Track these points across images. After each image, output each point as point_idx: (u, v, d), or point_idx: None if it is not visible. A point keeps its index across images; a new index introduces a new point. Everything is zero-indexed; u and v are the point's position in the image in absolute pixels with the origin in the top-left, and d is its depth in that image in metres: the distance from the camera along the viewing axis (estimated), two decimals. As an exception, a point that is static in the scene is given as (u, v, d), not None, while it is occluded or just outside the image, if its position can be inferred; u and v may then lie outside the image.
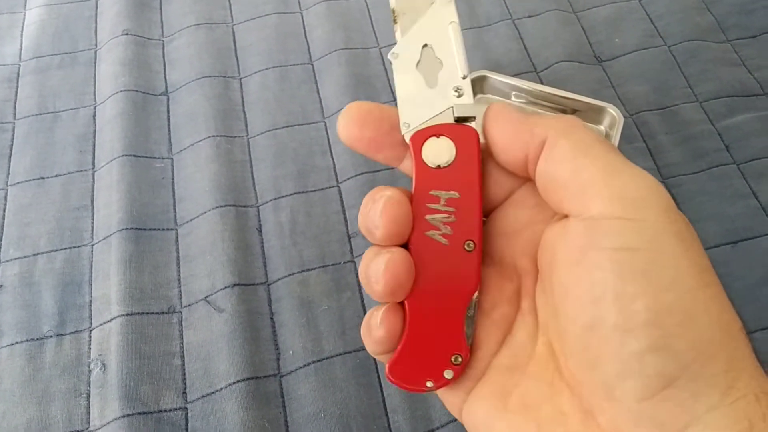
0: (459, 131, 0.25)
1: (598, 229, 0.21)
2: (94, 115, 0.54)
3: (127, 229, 0.47)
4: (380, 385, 0.43)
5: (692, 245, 0.21)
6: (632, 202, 0.21)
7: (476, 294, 0.25)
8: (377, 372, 0.43)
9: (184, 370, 0.43)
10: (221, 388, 0.42)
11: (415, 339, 0.25)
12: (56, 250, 0.48)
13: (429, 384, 0.25)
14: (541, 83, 0.56)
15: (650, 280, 0.20)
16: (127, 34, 0.58)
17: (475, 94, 0.55)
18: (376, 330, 0.25)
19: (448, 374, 0.25)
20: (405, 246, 0.25)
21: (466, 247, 0.25)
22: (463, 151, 0.25)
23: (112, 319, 0.44)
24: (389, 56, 0.27)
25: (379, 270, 0.24)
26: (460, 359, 0.25)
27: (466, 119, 0.25)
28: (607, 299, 0.21)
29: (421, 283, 0.25)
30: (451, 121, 0.25)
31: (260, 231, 0.49)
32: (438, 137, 0.25)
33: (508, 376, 0.25)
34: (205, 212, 0.49)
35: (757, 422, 0.19)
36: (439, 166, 0.25)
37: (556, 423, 0.23)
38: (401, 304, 0.25)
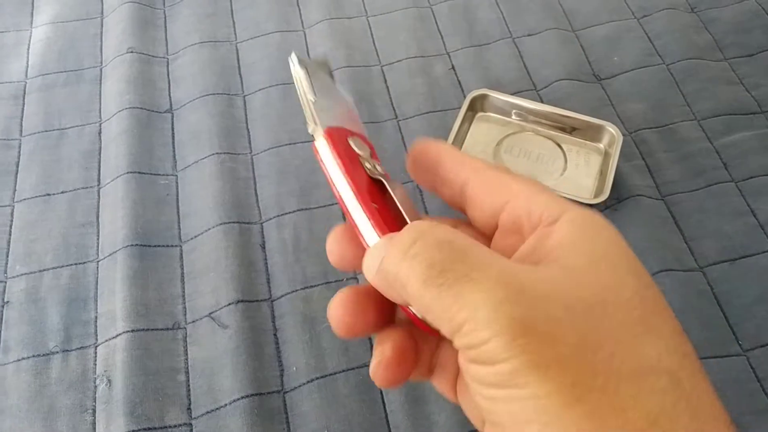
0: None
1: (469, 371, 0.21)
2: (100, 132, 0.55)
3: (132, 245, 0.48)
4: (383, 402, 0.43)
5: (552, 366, 0.19)
6: (476, 342, 0.20)
7: None
8: (380, 389, 0.44)
9: (188, 386, 0.43)
10: (225, 404, 0.42)
11: None
12: (62, 267, 0.48)
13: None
14: (541, 101, 0.56)
15: (513, 414, 0.20)
16: (132, 51, 0.59)
17: (476, 112, 0.55)
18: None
19: None
20: None
21: None
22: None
23: (117, 335, 0.44)
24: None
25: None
26: None
27: None
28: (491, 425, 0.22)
29: None
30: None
31: (264, 248, 0.49)
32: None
33: None
34: (209, 229, 0.49)
35: None
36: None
37: None
38: None
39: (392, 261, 0.22)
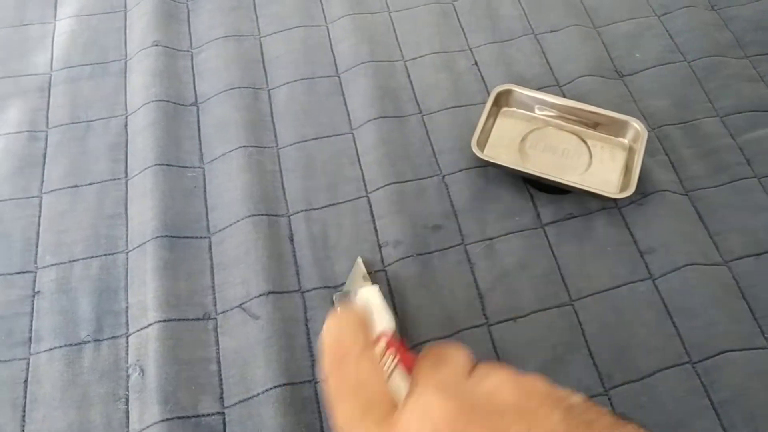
0: None
1: None
2: (126, 125, 0.55)
3: (161, 236, 0.48)
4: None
5: None
6: None
7: None
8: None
9: (220, 375, 0.44)
10: (258, 394, 0.43)
11: None
12: (92, 257, 0.48)
13: None
14: (564, 97, 0.57)
15: None
16: (156, 45, 0.59)
17: (500, 107, 0.56)
18: None
19: None
20: None
21: None
22: None
23: (149, 325, 0.45)
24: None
25: None
26: None
27: None
28: None
29: None
30: None
31: (292, 240, 0.49)
32: None
33: None
34: (238, 221, 0.50)
35: None
36: None
37: None
38: None
39: None
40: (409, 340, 0.45)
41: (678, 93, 0.58)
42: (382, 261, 0.49)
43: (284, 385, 0.43)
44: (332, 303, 0.46)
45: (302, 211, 0.51)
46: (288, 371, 0.43)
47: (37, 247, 0.49)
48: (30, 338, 0.45)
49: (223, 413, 0.42)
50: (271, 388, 0.43)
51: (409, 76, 0.59)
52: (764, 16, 0.64)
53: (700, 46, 0.61)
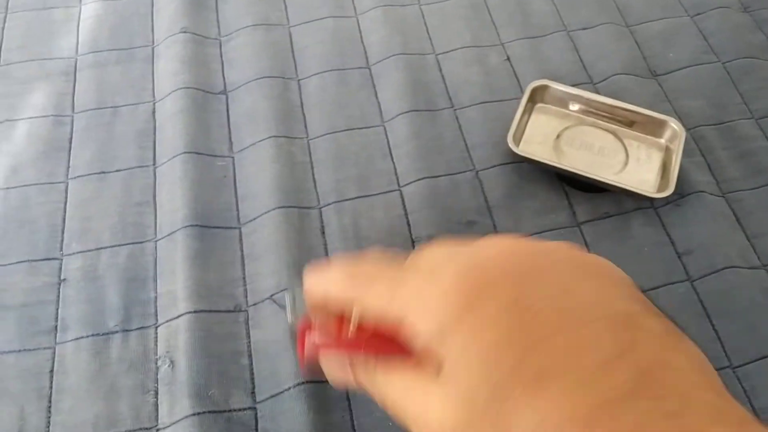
0: None
1: None
2: (154, 112, 0.54)
3: (192, 225, 0.47)
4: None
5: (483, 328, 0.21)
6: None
7: None
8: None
9: (252, 369, 0.43)
10: (288, 388, 0.42)
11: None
12: (119, 245, 0.47)
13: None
14: (598, 94, 0.56)
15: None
16: (185, 32, 0.58)
17: (535, 103, 0.55)
18: None
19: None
20: None
21: None
22: None
23: (179, 316, 0.44)
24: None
25: None
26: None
27: None
28: None
29: None
30: None
31: (323, 233, 0.49)
32: None
33: None
34: (268, 212, 0.49)
35: None
36: None
37: None
38: None
39: None
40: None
41: (712, 94, 0.57)
42: (416, 256, 0.48)
43: (315, 381, 0.42)
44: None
45: (333, 203, 0.50)
46: (317, 367, 0.42)
47: (62, 233, 0.48)
48: (56, 327, 0.44)
49: (255, 408, 0.41)
50: (301, 383, 0.41)
51: (440, 70, 0.58)
52: (798, 19, 0.63)
53: (734, 47, 0.61)
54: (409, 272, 0.25)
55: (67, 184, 0.50)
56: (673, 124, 0.52)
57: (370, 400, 0.41)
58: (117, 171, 0.51)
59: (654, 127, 0.53)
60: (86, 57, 0.57)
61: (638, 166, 0.51)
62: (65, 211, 0.49)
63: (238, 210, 0.49)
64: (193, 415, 0.40)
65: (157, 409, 0.41)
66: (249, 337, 0.44)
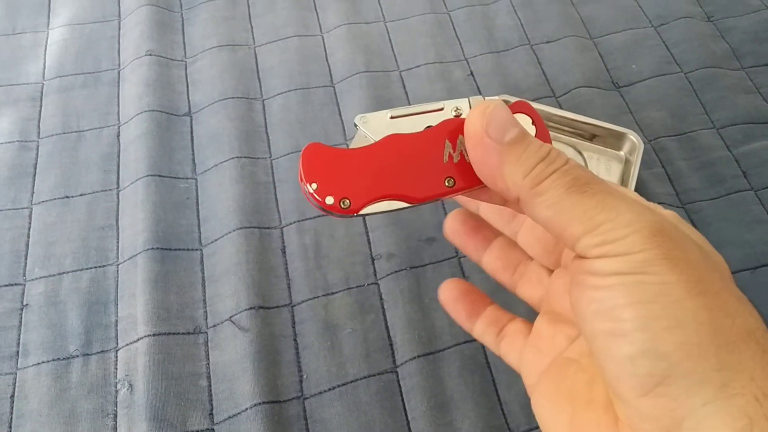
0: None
1: (589, 264, 0.24)
2: (118, 135, 0.55)
3: (152, 249, 0.48)
4: (404, 409, 0.43)
5: (681, 262, 0.23)
6: (614, 238, 0.23)
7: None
8: (401, 395, 0.44)
9: (210, 390, 0.43)
10: (246, 409, 0.42)
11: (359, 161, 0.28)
12: (82, 270, 0.48)
13: (311, 187, 0.28)
14: (560, 108, 0.56)
15: (636, 294, 0.23)
16: (150, 54, 0.59)
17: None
18: None
19: (329, 200, 0.28)
20: None
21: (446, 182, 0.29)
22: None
23: (138, 339, 0.44)
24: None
25: None
26: (348, 203, 0.28)
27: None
28: (601, 312, 0.24)
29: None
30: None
31: (284, 252, 0.49)
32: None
33: (566, 366, 0.29)
34: (230, 233, 0.49)
35: (759, 420, 0.21)
36: None
37: (587, 410, 0.26)
38: None
39: (528, 167, 0.26)
40: (400, 355, 0.44)
41: (674, 105, 0.58)
42: (375, 274, 0.48)
43: (272, 402, 0.42)
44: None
45: (295, 222, 0.50)
46: (276, 387, 0.43)
47: (26, 258, 0.48)
48: (17, 352, 0.44)
49: (213, 429, 0.42)
50: (258, 404, 0.42)
51: (404, 87, 0.59)
52: (760, 28, 0.64)
53: (697, 57, 0.61)
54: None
55: (31, 210, 0.51)
56: (632, 137, 0.52)
57: (328, 418, 0.42)
58: (81, 195, 0.51)
59: (613, 140, 0.53)
60: (53, 82, 0.58)
61: (598, 179, 0.52)
62: (29, 237, 0.49)
63: (200, 231, 0.50)
64: (150, 438, 0.40)
65: (115, 433, 0.42)
66: (208, 358, 0.44)
